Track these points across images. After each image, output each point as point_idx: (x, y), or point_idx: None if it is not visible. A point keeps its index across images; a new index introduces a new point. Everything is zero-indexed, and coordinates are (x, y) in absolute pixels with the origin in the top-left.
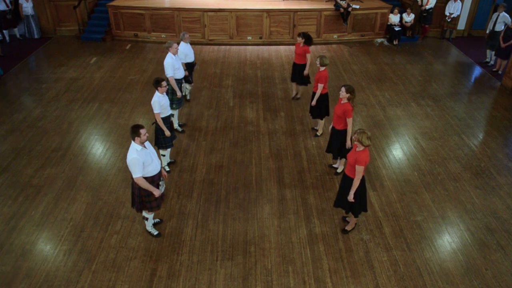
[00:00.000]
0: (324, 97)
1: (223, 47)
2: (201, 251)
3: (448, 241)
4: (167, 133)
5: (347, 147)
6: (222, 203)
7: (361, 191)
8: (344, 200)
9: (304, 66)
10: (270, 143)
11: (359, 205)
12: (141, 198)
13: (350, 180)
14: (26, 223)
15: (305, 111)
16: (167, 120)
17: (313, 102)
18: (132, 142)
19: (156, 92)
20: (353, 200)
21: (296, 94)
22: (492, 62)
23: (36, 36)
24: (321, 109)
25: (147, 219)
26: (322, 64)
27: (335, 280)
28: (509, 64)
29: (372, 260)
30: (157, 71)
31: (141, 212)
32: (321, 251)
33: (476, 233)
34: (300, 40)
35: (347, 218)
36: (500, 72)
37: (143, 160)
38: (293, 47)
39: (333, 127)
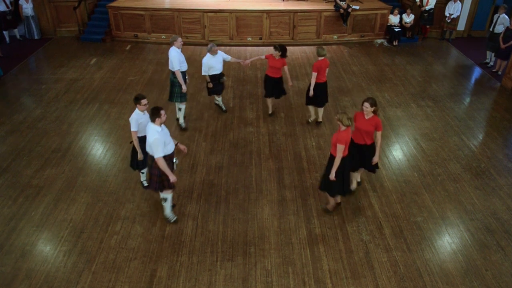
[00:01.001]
0: (323, 86)
1: (223, 47)
2: (201, 251)
3: (448, 242)
4: (140, 156)
5: (373, 163)
6: (222, 204)
7: (340, 171)
8: (325, 179)
9: (280, 79)
10: (270, 144)
11: (337, 185)
12: (160, 178)
13: (333, 159)
14: (26, 224)
15: (305, 112)
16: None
17: (311, 93)
18: (151, 124)
19: (136, 109)
20: (334, 179)
21: (273, 111)
22: (492, 63)
23: (36, 37)
24: (319, 97)
25: (165, 200)
26: (319, 55)
27: (335, 281)
28: (509, 65)
29: (372, 261)
30: (157, 71)
31: (160, 193)
32: (321, 252)
33: (476, 234)
34: (276, 53)
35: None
36: (500, 72)
37: (164, 140)
38: (293, 48)
39: (356, 144)
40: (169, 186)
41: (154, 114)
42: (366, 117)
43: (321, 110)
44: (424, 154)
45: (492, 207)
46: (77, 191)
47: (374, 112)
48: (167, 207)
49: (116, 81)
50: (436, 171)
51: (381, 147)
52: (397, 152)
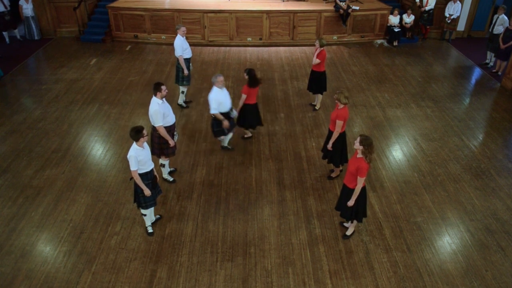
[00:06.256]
0: (323, 74)
1: (223, 48)
2: (201, 252)
3: (448, 242)
4: (147, 192)
5: (348, 205)
6: (222, 204)
7: (339, 144)
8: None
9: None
10: (270, 145)
11: (336, 155)
12: (160, 146)
13: (332, 134)
14: (26, 225)
15: (305, 113)
16: (149, 175)
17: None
18: (154, 97)
19: (134, 144)
20: (331, 149)
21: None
22: (491, 64)
23: (36, 38)
24: (320, 84)
25: (163, 165)
26: (322, 45)
27: (335, 281)
28: (508, 65)
29: (372, 261)
30: (157, 72)
31: (160, 158)
32: (321, 253)
33: (476, 234)
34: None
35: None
36: (499, 73)
37: (163, 111)
38: (293, 49)
39: (344, 185)
40: (166, 154)
41: (155, 89)
42: (357, 156)
43: (320, 98)
44: (424, 154)
45: (492, 207)
46: (77, 192)
47: (363, 153)
48: (164, 172)
49: (116, 81)
50: (436, 172)
51: (356, 195)
52: (397, 153)
